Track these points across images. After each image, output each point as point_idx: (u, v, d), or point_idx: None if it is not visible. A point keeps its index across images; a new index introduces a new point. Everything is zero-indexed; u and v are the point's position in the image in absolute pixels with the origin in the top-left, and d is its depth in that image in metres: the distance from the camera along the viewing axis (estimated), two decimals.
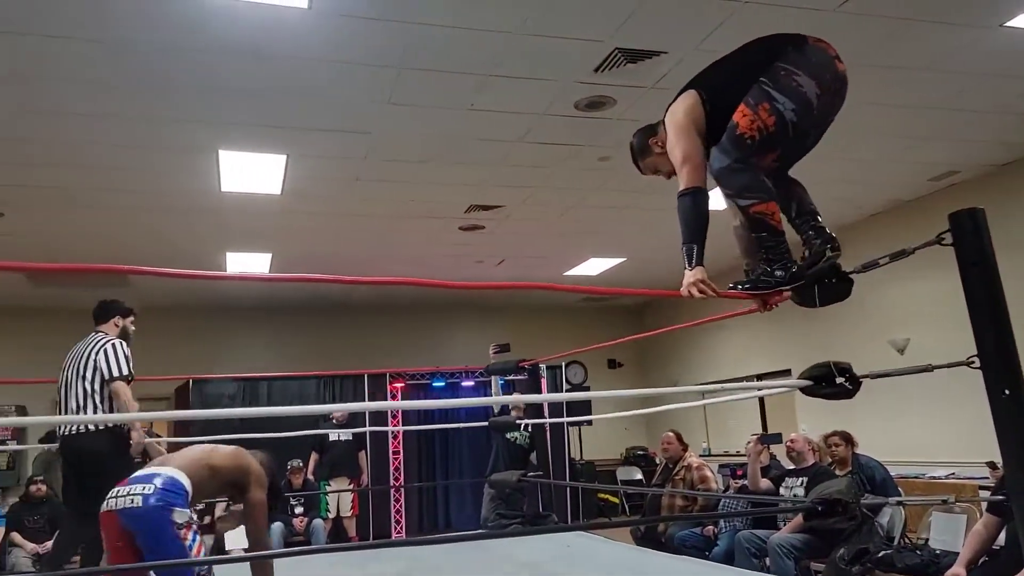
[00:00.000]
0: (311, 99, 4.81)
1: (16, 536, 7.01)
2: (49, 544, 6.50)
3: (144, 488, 2.81)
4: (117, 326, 4.54)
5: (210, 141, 5.35)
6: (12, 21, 3.77)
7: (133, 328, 4.63)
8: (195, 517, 2.92)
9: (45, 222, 6.78)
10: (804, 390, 2.17)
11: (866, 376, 2.10)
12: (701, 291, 2.26)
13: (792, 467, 5.59)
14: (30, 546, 6.95)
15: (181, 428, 8.60)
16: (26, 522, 7.09)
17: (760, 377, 9.69)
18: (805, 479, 5.26)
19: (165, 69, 4.33)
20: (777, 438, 6.06)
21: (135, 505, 2.78)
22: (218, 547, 5.61)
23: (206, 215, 6.85)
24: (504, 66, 4.51)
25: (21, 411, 9.16)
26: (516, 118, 5.24)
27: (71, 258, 7.44)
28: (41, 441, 7.91)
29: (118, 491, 2.86)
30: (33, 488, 7.22)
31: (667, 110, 2.48)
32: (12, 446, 8.71)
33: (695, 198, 2.32)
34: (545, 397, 7.95)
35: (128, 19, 3.82)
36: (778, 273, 2.30)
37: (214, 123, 5.07)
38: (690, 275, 2.30)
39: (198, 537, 2.85)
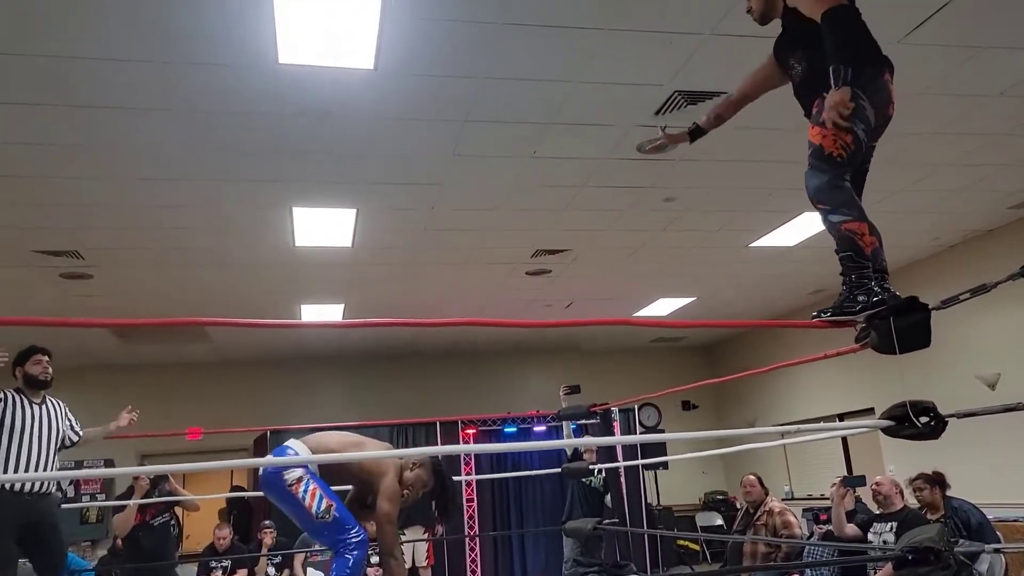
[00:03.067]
0: (379, 155, 4.96)
1: None
2: None
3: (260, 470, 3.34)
4: (17, 377, 4.37)
5: (284, 199, 5.56)
6: (96, 98, 4.03)
7: (40, 368, 4.34)
8: (308, 472, 3.21)
9: (131, 282, 7.11)
10: (886, 431, 2.09)
11: (952, 415, 2.01)
12: (844, 116, 2.14)
13: (880, 511, 5.34)
14: None
15: None
16: (115, 574, 7.28)
17: (842, 416, 9.35)
18: (895, 524, 5.02)
19: (241, 134, 4.54)
20: (861, 480, 5.81)
21: (261, 474, 3.30)
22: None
23: (281, 269, 7.08)
24: (565, 113, 4.57)
25: (109, 465, 9.49)
26: (579, 163, 5.29)
27: (154, 315, 7.76)
28: None
29: None
30: (119, 542, 7.42)
31: None
32: (101, 500, 9.01)
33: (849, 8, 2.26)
34: (618, 439, 7.83)
35: (205, 90, 4.03)
36: (860, 299, 2.24)
37: (288, 182, 5.26)
38: (836, 94, 2.15)
39: (310, 485, 3.16)
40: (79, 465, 9.36)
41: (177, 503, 5.95)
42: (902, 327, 2.12)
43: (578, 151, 5.09)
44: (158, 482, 5.42)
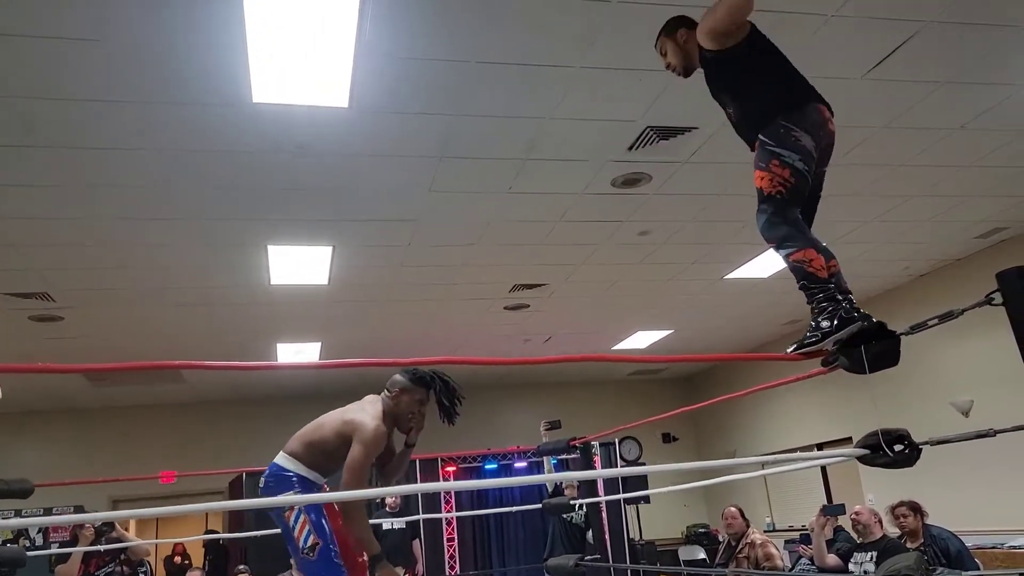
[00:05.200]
0: (354, 192, 4.96)
1: None
2: None
3: (259, 484, 3.26)
4: None
5: (259, 237, 5.53)
6: (69, 136, 4.01)
7: None
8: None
9: (103, 322, 7.01)
10: (861, 459, 2.09)
11: (925, 443, 2.02)
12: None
13: (860, 540, 5.35)
14: None
15: (236, 522, 8.61)
16: None
17: (821, 446, 9.38)
18: (875, 553, 5.02)
19: (215, 172, 4.53)
20: (840, 509, 5.82)
21: (260, 491, 3.25)
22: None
23: (257, 308, 7.02)
24: (540, 150, 4.61)
25: (79, 510, 9.27)
26: (555, 198, 5.33)
27: (128, 356, 7.66)
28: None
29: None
30: None
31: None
32: (72, 548, 8.77)
33: None
34: (598, 473, 7.79)
35: (180, 129, 4.03)
36: (824, 324, 2.24)
37: (262, 220, 5.24)
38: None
39: (300, 516, 3.09)
40: (47, 512, 9.14)
41: (124, 551, 5.81)
42: (871, 353, 2.15)
43: (553, 186, 5.14)
44: (104, 530, 5.24)
